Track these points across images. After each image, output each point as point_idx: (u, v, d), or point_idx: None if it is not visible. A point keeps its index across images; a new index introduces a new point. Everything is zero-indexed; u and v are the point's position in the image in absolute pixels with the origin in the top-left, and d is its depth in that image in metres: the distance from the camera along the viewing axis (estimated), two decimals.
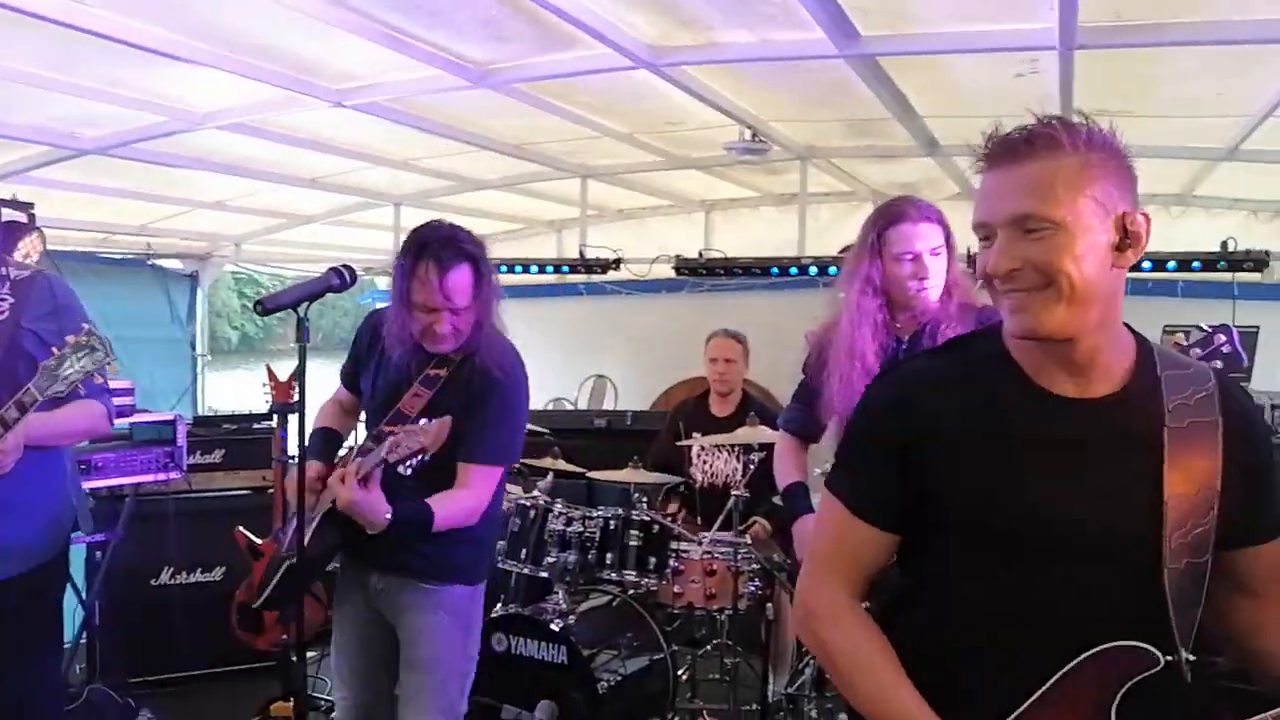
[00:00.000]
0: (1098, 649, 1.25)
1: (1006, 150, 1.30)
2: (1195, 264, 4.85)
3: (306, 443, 2.56)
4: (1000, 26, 3.13)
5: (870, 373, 2.42)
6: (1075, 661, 1.26)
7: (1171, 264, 4.86)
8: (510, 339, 2.58)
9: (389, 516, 2.30)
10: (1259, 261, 4.78)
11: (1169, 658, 1.24)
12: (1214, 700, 1.28)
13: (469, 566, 2.57)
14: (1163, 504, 1.29)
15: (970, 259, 4.70)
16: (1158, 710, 1.25)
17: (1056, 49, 3.10)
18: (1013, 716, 1.28)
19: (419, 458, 2.27)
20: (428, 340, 2.44)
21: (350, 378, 2.72)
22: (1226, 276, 4.99)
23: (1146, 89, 3.81)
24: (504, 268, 6.11)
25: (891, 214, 2.51)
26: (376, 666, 2.60)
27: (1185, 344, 2.15)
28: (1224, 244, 4.82)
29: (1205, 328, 2.13)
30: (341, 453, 2.77)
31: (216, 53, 3.23)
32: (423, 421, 2.24)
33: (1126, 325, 1.39)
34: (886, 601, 1.50)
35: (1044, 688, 1.27)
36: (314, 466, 2.50)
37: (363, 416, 2.73)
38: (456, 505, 2.41)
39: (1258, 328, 4.81)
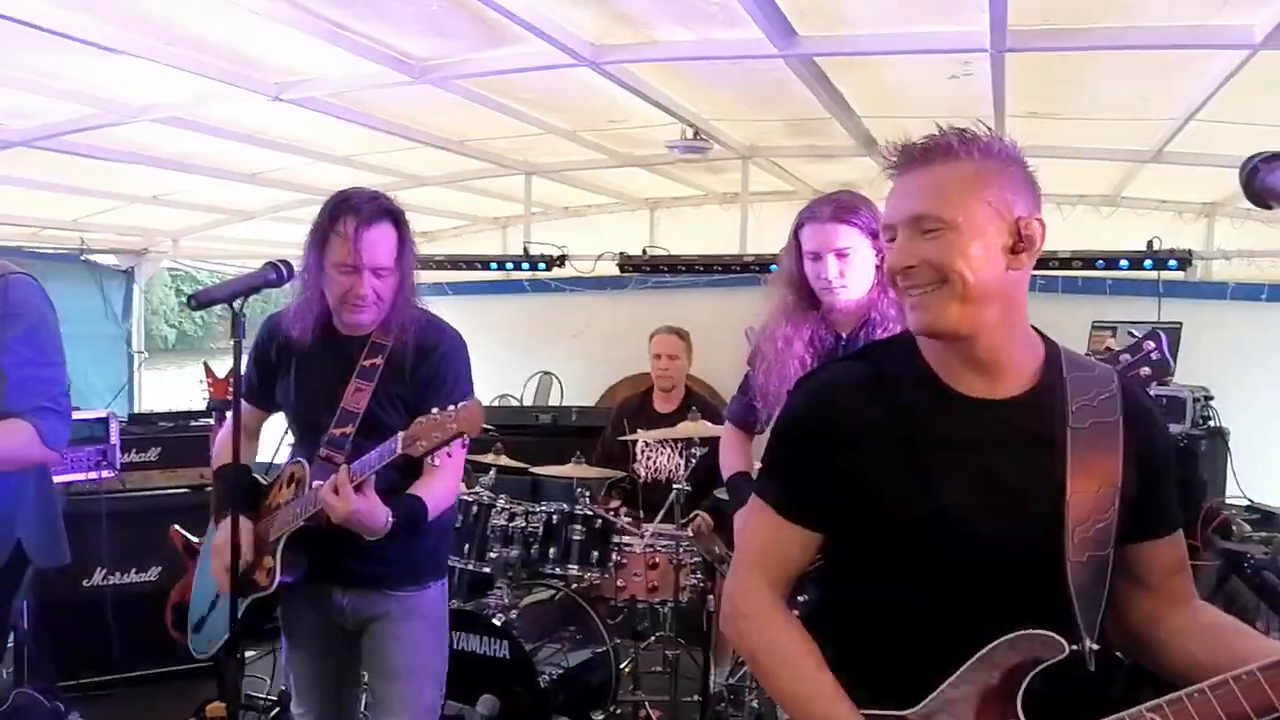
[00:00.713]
0: (1006, 638, 1.30)
1: (908, 158, 1.39)
2: (1123, 263, 5.01)
3: (215, 489, 2.44)
4: (934, 29, 3.19)
5: (801, 363, 2.47)
6: (984, 650, 1.31)
7: (1100, 262, 5.02)
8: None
9: (390, 520, 2.16)
10: (1183, 260, 4.96)
11: (1074, 647, 1.29)
12: (1118, 692, 1.33)
13: (436, 562, 2.48)
14: (1065, 501, 1.35)
15: None
16: (1063, 698, 1.29)
17: (988, 51, 3.18)
18: (924, 703, 1.33)
19: (451, 444, 2.08)
20: (346, 309, 2.28)
21: (255, 390, 2.49)
22: (1152, 275, 5.17)
23: (1075, 92, 3.93)
24: (449, 264, 6.09)
25: (808, 212, 2.51)
26: (335, 677, 2.49)
27: (1115, 349, 2.19)
28: (1150, 243, 4.98)
29: (1134, 334, 2.17)
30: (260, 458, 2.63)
31: (150, 44, 3.17)
32: (436, 411, 2.08)
33: (1035, 329, 1.46)
34: (808, 599, 1.55)
35: (954, 675, 1.32)
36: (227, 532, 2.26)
37: (274, 421, 2.56)
38: (440, 488, 2.31)
39: (1180, 324, 4.99)
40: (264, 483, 2.46)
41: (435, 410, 2.08)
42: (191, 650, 2.63)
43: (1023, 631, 1.30)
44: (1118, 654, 1.49)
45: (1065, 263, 4.97)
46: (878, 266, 2.51)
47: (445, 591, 2.52)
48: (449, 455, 2.22)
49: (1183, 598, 1.44)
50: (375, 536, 2.17)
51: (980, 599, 1.35)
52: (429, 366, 2.33)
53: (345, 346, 2.37)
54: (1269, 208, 1.14)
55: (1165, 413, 3.85)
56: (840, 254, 2.43)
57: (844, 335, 2.56)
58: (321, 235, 2.25)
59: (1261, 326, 5.46)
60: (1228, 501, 4.21)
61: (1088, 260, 5.00)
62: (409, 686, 2.39)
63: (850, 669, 1.39)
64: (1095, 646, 1.32)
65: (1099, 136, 4.55)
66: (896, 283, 1.40)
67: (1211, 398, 4.64)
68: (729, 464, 2.90)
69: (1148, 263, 4.98)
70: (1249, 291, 5.59)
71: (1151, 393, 3.98)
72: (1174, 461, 1.46)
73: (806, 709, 1.38)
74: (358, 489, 2.11)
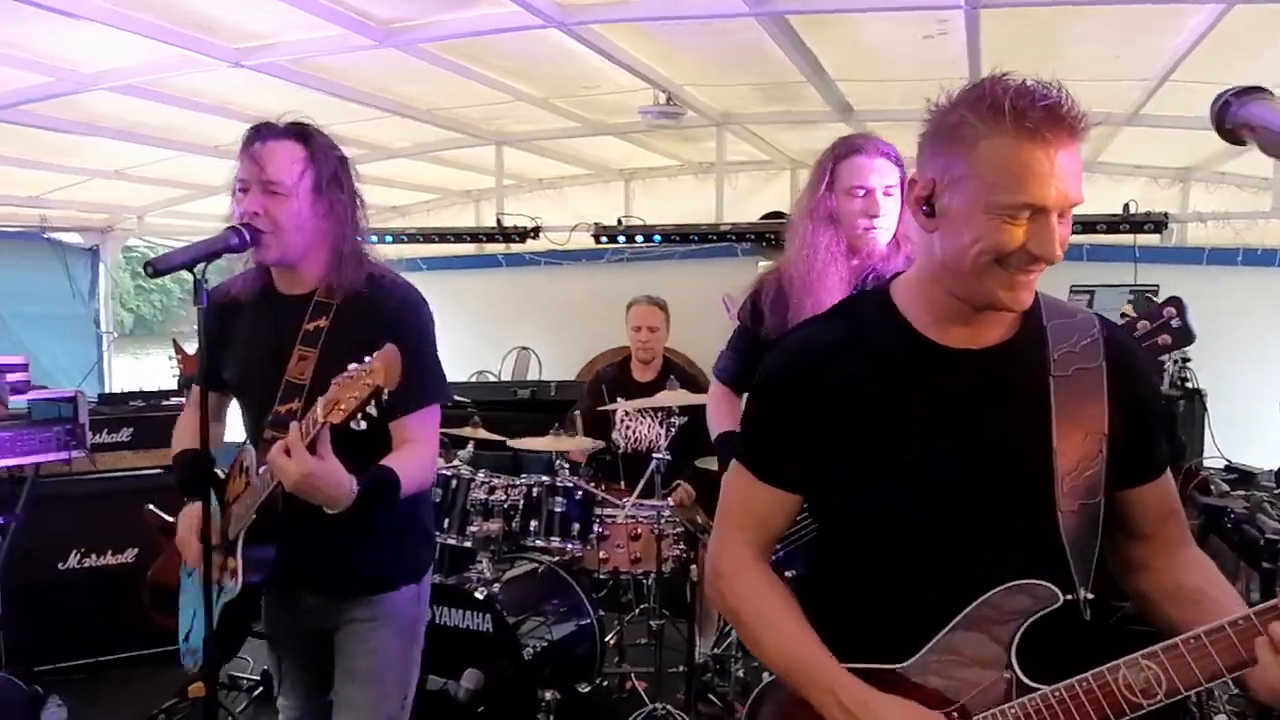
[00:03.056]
0: (999, 588, 1.29)
1: (1066, 123, 1.22)
2: (1099, 227, 5.01)
3: (174, 471, 2.21)
4: None
5: (841, 282, 2.35)
6: (978, 600, 1.29)
7: (1077, 227, 5.00)
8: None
9: (355, 488, 1.90)
10: (1159, 223, 4.97)
11: (1068, 596, 1.28)
12: (1114, 641, 1.31)
13: (413, 563, 2.28)
14: (1052, 451, 1.32)
15: None
16: (1058, 648, 1.28)
17: (962, 8, 3.14)
18: (919, 655, 1.32)
19: (373, 404, 1.80)
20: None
21: (207, 373, 2.21)
22: (1128, 239, 5.18)
23: (1049, 53, 3.89)
24: (421, 238, 6.01)
25: (846, 147, 2.39)
26: (316, 677, 2.34)
27: (1134, 315, 2.11)
28: (1125, 207, 4.99)
29: (1153, 299, 2.07)
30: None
31: (103, 7, 3.06)
32: (353, 365, 1.80)
33: None
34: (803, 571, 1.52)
35: (948, 627, 1.31)
36: (190, 521, 2.12)
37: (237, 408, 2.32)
38: (413, 464, 2.06)
39: (1157, 286, 5.01)
40: (222, 475, 2.23)
41: (352, 365, 1.81)
42: (182, 662, 2.41)
43: (1016, 582, 1.28)
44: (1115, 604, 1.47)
45: None
46: None
47: (421, 594, 2.31)
48: (416, 429, 2.06)
49: (1175, 544, 1.42)
50: (338, 508, 1.90)
51: (970, 554, 1.33)
52: (379, 324, 2.02)
53: (287, 310, 2.13)
54: (1242, 143, 1.11)
55: None
56: (887, 191, 2.33)
57: (853, 289, 2.47)
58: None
59: (1237, 290, 5.49)
60: (1205, 463, 4.24)
61: None
62: (368, 690, 2.23)
63: (839, 629, 1.37)
64: (1090, 596, 1.30)
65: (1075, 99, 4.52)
66: (1010, 260, 1.26)
67: (1189, 360, 4.67)
68: (717, 423, 2.82)
69: (1124, 227, 5.00)
70: (1225, 256, 5.63)
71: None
72: (1160, 404, 1.44)
73: (790, 665, 1.38)
74: (311, 449, 1.84)
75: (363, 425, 1.84)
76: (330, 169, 2.09)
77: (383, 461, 2.03)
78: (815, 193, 2.40)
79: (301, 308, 2.11)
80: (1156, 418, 1.43)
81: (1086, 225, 5.00)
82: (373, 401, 1.80)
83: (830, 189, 2.36)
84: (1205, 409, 4.54)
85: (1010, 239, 1.25)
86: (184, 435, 2.31)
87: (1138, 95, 4.33)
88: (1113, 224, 4.99)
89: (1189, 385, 4.63)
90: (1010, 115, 1.22)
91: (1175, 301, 1.98)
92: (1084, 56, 3.91)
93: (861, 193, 2.32)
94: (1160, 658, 1.19)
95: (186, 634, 2.39)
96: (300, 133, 2.07)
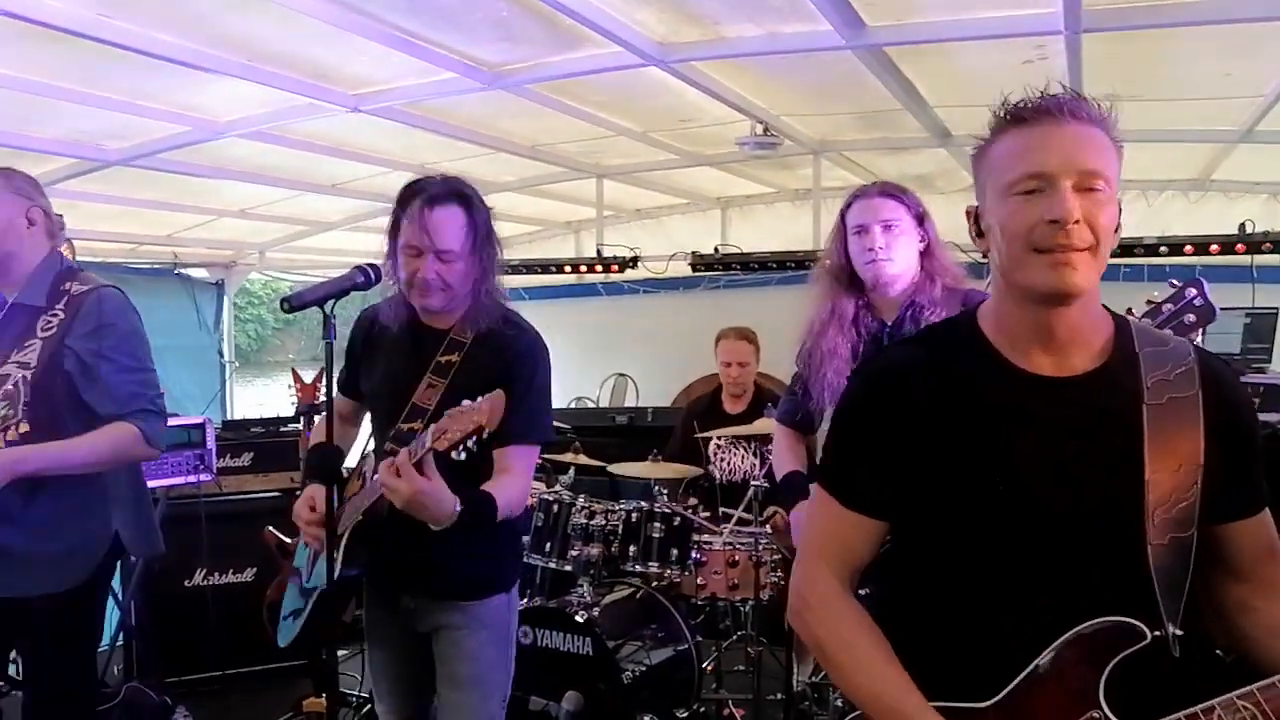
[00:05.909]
0: (1086, 625, 1.26)
1: (1060, 107, 1.30)
2: (1213, 248, 4.84)
3: (304, 463, 2.43)
4: (1006, 13, 3.14)
5: (851, 351, 2.50)
6: (1064, 637, 1.27)
7: (1188, 248, 4.84)
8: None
9: (458, 507, 2.04)
10: (1278, 243, 4.76)
11: (1156, 633, 1.24)
12: (1206, 679, 1.28)
13: (504, 573, 2.43)
14: (1144, 482, 1.30)
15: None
16: (1147, 686, 1.25)
17: (1063, 33, 3.11)
18: (1004, 693, 1.29)
19: (473, 439, 1.95)
20: (416, 294, 2.23)
21: (347, 381, 2.52)
22: (1245, 260, 4.98)
23: (1155, 73, 3.81)
24: (523, 269, 6.18)
25: (851, 197, 2.58)
26: (414, 679, 2.49)
27: (1157, 300, 2.13)
28: (1241, 226, 4.80)
29: (1175, 283, 2.13)
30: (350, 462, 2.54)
31: (235, 61, 3.30)
32: (466, 402, 1.96)
33: (1104, 305, 1.41)
34: (877, 589, 1.53)
35: (1033, 664, 1.28)
36: (311, 495, 2.26)
37: (368, 419, 2.52)
38: (510, 493, 2.21)
39: (1277, 309, 4.81)
40: (345, 474, 2.42)
41: (466, 401, 1.97)
42: (278, 637, 2.65)
43: (1103, 618, 1.26)
44: (1218, 651, 1.43)
45: (1152, 249, 4.82)
46: (921, 253, 2.55)
47: (512, 602, 2.46)
48: (515, 461, 2.22)
49: (1278, 585, 1.37)
50: (441, 525, 2.04)
51: (1058, 585, 1.31)
52: (503, 365, 2.24)
53: (425, 341, 2.32)
54: None
55: (1262, 400, 3.71)
56: (886, 226, 2.48)
57: (888, 322, 2.55)
58: (394, 221, 2.24)
59: None
60: None
61: (1175, 246, 4.84)
62: (470, 696, 2.37)
63: (920, 662, 1.36)
64: (1179, 632, 1.27)
65: (1184, 118, 4.40)
66: (1037, 238, 1.28)
67: None
68: (781, 464, 2.91)
69: (1240, 247, 4.81)
70: None
71: (1248, 380, 3.85)
72: (1259, 436, 1.39)
73: (876, 702, 1.35)
74: (419, 469, 1.97)
75: (462, 456, 2.00)
76: (485, 227, 2.26)
77: (484, 487, 2.18)
78: (833, 246, 2.60)
79: (438, 341, 2.31)
80: (1255, 450, 1.38)
81: (1199, 246, 4.83)
82: (474, 437, 1.96)
83: (844, 239, 2.55)
84: None
85: (1028, 214, 1.29)
86: (318, 434, 2.51)
87: (1252, 111, 4.19)
88: (1227, 244, 4.81)
89: None
90: (1008, 116, 1.34)
91: (1195, 281, 2.05)
92: (1192, 75, 3.82)
93: (858, 230, 2.51)
94: (1257, 697, 1.16)
95: (283, 618, 2.60)
96: (462, 197, 2.23)
